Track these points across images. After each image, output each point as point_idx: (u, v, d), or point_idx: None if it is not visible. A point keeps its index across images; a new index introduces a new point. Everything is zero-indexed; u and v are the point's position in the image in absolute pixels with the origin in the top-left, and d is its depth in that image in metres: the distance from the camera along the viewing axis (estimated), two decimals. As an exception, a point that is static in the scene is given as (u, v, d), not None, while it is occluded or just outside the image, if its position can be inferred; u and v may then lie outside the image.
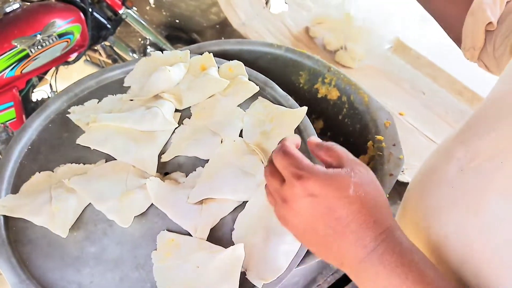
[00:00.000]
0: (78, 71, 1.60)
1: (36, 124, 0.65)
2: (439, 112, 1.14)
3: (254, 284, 0.50)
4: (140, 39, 1.79)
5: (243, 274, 0.51)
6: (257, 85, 0.69)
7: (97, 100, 0.69)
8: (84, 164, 0.61)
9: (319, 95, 0.84)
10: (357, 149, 0.76)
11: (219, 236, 0.55)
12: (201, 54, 0.74)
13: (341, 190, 0.37)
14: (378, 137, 0.71)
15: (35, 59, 1.28)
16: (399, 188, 0.96)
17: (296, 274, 0.66)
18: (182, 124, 0.66)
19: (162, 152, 0.63)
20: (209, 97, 0.69)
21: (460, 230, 0.38)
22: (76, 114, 0.66)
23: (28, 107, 1.41)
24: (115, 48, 1.64)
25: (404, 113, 1.08)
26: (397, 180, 0.94)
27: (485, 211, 0.35)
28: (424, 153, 1.03)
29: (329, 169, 0.39)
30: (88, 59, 1.74)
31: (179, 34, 1.84)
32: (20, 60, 1.25)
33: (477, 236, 0.36)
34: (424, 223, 0.44)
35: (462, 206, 0.38)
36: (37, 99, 1.49)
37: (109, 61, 1.67)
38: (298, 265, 0.53)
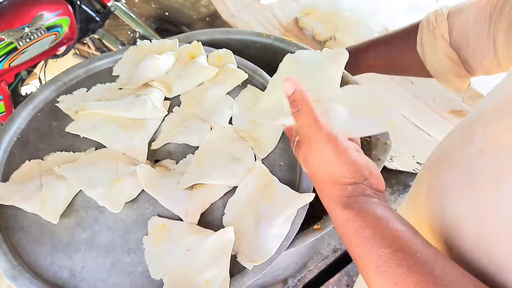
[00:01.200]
0: (67, 64, 1.58)
1: (24, 113, 0.65)
2: (427, 100, 1.15)
3: (245, 266, 0.51)
4: (129, 32, 1.78)
5: (233, 257, 0.52)
6: (246, 73, 0.70)
7: (86, 89, 0.69)
8: (73, 152, 0.61)
9: (308, 84, 0.84)
10: (346, 136, 0.77)
11: (210, 221, 0.56)
12: (190, 43, 0.74)
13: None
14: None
15: (24, 52, 1.27)
16: (388, 175, 0.98)
17: (287, 258, 0.67)
18: (172, 112, 0.67)
19: (152, 140, 0.64)
20: (198, 85, 0.69)
21: (476, 210, 0.38)
22: (65, 103, 0.66)
23: (17, 101, 1.40)
24: (104, 41, 1.63)
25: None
26: (386, 168, 0.96)
27: (503, 191, 0.35)
28: (412, 141, 1.05)
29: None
30: (77, 52, 1.73)
31: (169, 27, 1.83)
32: (8, 53, 1.24)
33: (493, 216, 0.36)
34: (439, 203, 0.45)
35: (479, 186, 0.38)
36: (26, 93, 1.48)
37: (99, 54, 1.66)
38: (288, 247, 0.54)
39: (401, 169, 0.95)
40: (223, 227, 0.54)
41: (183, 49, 0.73)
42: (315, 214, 0.72)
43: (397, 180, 0.98)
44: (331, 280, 0.78)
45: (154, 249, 0.53)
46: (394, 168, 0.95)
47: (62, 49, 1.39)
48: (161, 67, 0.69)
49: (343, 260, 0.82)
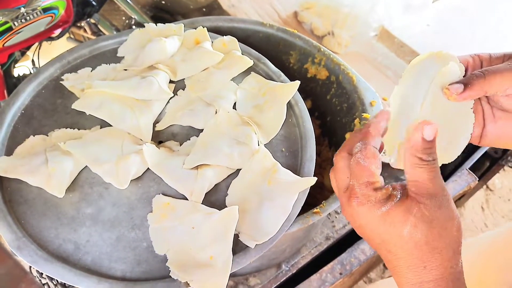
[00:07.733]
0: (61, 48, 1.56)
1: (29, 89, 0.65)
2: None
3: (247, 245, 0.52)
4: (124, 18, 1.76)
5: (235, 237, 0.53)
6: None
7: (91, 69, 0.69)
8: (78, 129, 0.62)
9: (309, 75, 0.86)
10: (344, 126, 0.80)
11: (213, 201, 0.57)
12: (195, 29, 0.75)
13: (395, 227, 0.36)
14: (365, 115, 0.73)
15: (18, 32, 1.24)
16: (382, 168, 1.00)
17: (284, 242, 0.69)
18: (177, 95, 0.68)
19: (156, 121, 0.64)
20: (203, 70, 0.70)
21: None
22: (69, 81, 0.66)
23: (9, 82, 1.38)
24: (99, 26, 1.61)
25: (387, 98, 1.12)
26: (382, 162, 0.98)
27: None
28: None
29: (388, 202, 0.37)
30: (72, 36, 1.71)
31: (164, 15, 1.82)
32: (3, 33, 1.22)
33: None
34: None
35: None
36: (18, 74, 1.46)
37: (94, 38, 1.64)
38: (288, 229, 0.55)
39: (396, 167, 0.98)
40: (226, 207, 0.55)
41: (188, 34, 0.74)
42: (311, 202, 0.74)
43: (389, 173, 1.00)
44: (325, 268, 0.80)
45: (159, 225, 0.54)
46: (387, 161, 0.98)
47: (57, 32, 1.37)
48: (167, 50, 0.69)
49: (335, 248, 0.84)
